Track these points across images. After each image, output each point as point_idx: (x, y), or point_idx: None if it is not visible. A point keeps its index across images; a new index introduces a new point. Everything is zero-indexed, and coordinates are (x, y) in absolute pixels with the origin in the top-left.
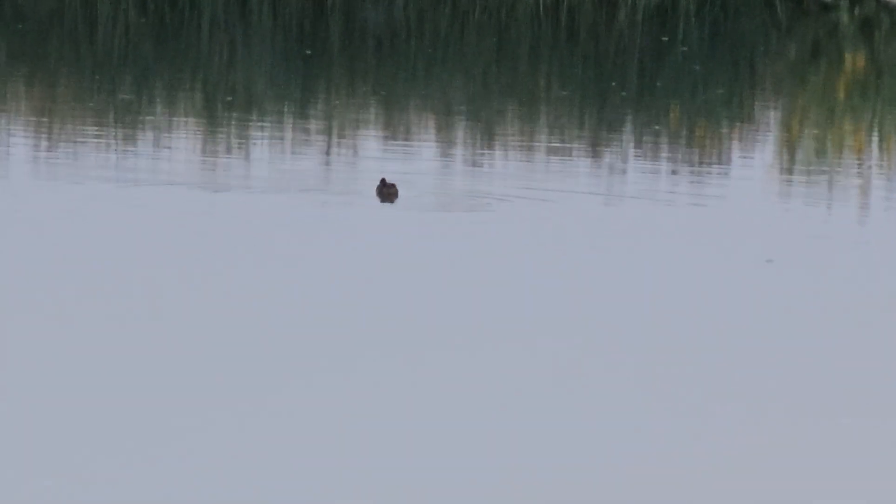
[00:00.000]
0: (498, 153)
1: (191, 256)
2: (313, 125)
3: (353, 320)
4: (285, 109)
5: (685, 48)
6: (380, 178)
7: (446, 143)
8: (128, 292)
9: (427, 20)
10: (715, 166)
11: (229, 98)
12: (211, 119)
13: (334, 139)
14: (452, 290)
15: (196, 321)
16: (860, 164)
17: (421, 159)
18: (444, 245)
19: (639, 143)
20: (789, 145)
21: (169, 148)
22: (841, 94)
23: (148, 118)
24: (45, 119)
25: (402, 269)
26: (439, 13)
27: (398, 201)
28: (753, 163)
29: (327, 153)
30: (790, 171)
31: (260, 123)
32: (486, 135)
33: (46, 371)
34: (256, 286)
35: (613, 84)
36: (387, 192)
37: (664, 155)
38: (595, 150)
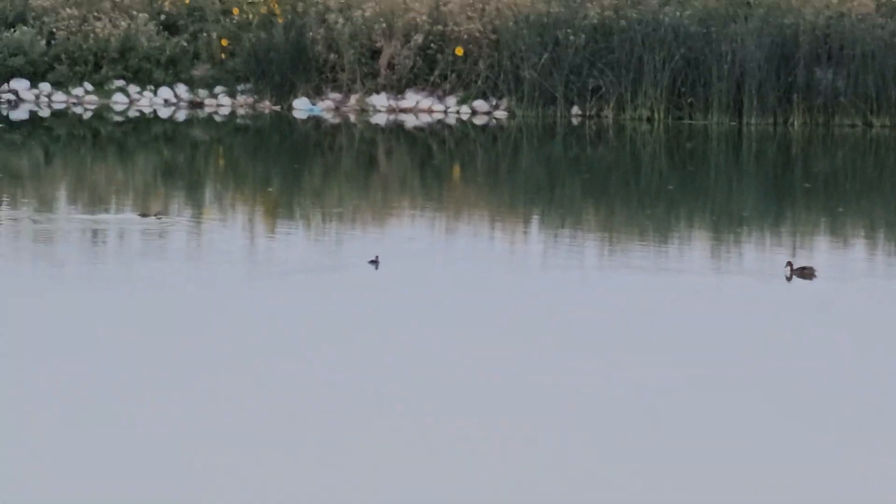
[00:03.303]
0: None
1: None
2: (783, 237)
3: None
4: (762, 230)
5: None
6: (788, 263)
7: (878, 250)
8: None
9: (856, 162)
10: None
11: (734, 220)
12: (718, 236)
13: (796, 245)
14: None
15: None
16: None
17: (853, 261)
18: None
19: None
20: None
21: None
22: None
23: (671, 239)
24: (607, 235)
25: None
26: (867, 159)
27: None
28: None
29: (790, 260)
30: None
31: (747, 241)
32: None
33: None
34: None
35: None
36: (801, 272)
37: None
38: None
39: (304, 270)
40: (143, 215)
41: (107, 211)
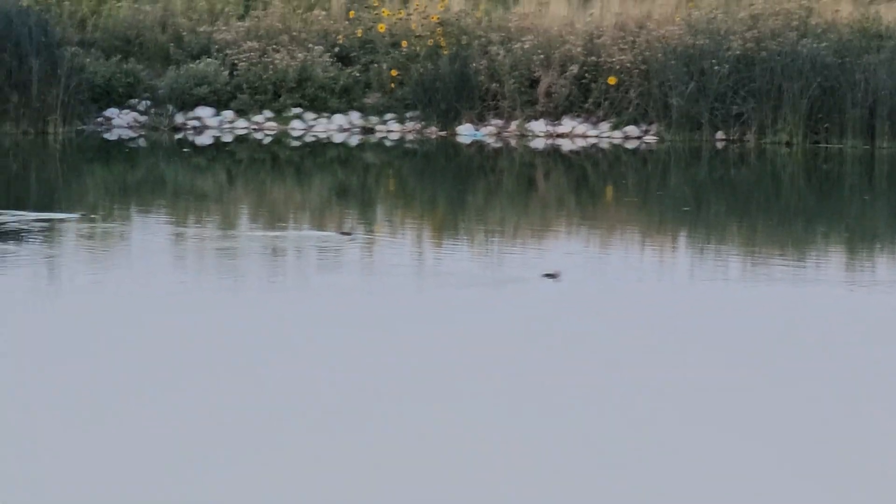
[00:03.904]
0: None
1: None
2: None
3: None
4: (893, 245)
5: None
6: None
7: None
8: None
9: None
10: None
11: (867, 235)
12: (851, 250)
13: None
14: None
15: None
16: None
17: None
18: None
19: None
20: None
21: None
22: None
23: (808, 253)
24: (749, 249)
25: None
26: None
27: None
28: None
29: None
30: None
31: (879, 255)
32: None
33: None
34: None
35: None
36: None
37: None
38: None
39: (478, 284)
40: (343, 233)
41: (304, 228)
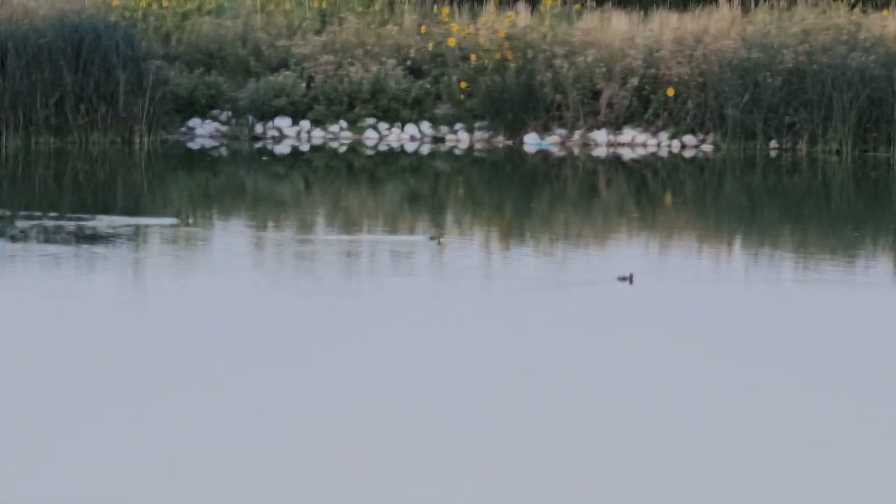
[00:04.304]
0: None
1: None
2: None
3: None
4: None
5: None
6: None
7: None
8: None
9: None
10: None
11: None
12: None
13: None
14: None
15: None
16: None
17: None
18: None
19: None
20: None
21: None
22: None
23: (858, 257)
24: (801, 253)
25: None
26: None
27: None
28: None
29: None
30: None
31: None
32: None
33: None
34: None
35: None
36: None
37: None
38: None
39: (550, 287)
40: (432, 238)
41: (392, 233)
